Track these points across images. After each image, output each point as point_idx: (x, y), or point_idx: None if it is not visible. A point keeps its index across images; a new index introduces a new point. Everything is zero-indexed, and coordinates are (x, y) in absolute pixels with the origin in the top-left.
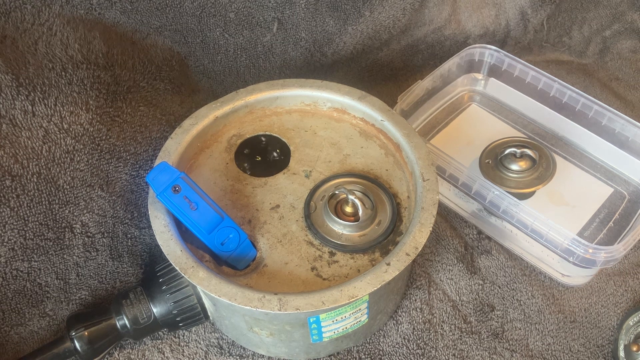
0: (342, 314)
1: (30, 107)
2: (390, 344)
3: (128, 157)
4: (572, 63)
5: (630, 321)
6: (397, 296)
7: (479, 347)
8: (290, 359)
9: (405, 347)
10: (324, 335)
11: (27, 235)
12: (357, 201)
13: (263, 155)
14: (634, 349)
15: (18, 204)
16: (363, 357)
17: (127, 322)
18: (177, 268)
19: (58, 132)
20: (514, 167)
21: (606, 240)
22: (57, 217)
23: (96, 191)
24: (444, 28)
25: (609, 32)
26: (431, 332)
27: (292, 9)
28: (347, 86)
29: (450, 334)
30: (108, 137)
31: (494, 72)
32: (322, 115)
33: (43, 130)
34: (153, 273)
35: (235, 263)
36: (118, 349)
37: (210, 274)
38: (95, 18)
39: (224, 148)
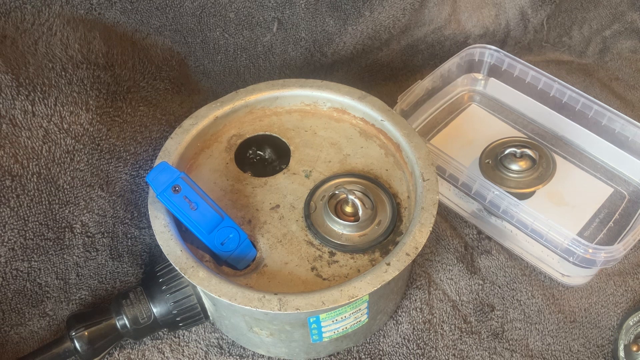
0: (342, 314)
1: (30, 107)
2: (390, 344)
3: (128, 157)
4: (572, 63)
5: (630, 321)
6: (397, 296)
7: (479, 347)
8: (290, 359)
9: (405, 347)
10: (324, 335)
11: (27, 235)
12: (357, 201)
13: (263, 155)
14: (634, 349)
15: (18, 204)
16: (363, 357)
17: (127, 322)
18: (177, 268)
19: (58, 132)
20: (514, 167)
21: (606, 240)
22: (57, 217)
23: (96, 191)
24: (444, 28)
25: (609, 32)
26: (431, 332)
27: (292, 9)
28: (347, 86)
29: (450, 334)
30: (108, 137)
31: (494, 72)
32: (322, 115)
33: (43, 130)
34: (153, 273)
35: (235, 263)
36: (118, 349)
37: (210, 274)
38: (95, 18)
39: (224, 148)
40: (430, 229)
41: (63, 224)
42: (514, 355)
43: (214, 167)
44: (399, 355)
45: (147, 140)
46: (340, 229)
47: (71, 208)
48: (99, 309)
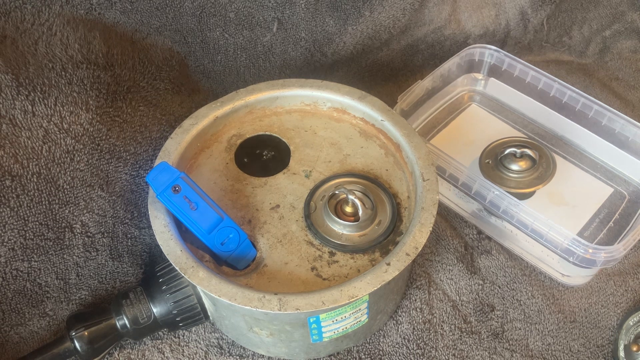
0: (342, 314)
1: (30, 107)
2: (390, 344)
3: (128, 157)
4: (572, 63)
5: (630, 321)
6: (397, 296)
7: (479, 347)
8: (290, 359)
9: (405, 347)
10: (324, 335)
11: (27, 235)
12: (357, 201)
13: (263, 155)
14: (634, 349)
15: (18, 204)
16: (363, 357)
17: (127, 322)
18: (177, 268)
19: (58, 132)
20: (514, 167)
21: (606, 240)
22: (57, 217)
23: (96, 191)
24: (444, 28)
25: (609, 32)
26: (431, 332)
27: (292, 9)
28: (347, 86)
29: (450, 334)
30: (108, 137)
31: (494, 72)
32: (322, 115)
33: (43, 130)
34: (153, 273)
35: (235, 263)
36: (118, 349)
37: (210, 274)
38: (95, 18)
39: (224, 148)
40: (430, 229)
41: (63, 224)
42: (514, 355)
43: (214, 167)
44: (399, 355)
45: (147, 140)
46: (340, 229)
47: (71, 208)
48: (99, 309)
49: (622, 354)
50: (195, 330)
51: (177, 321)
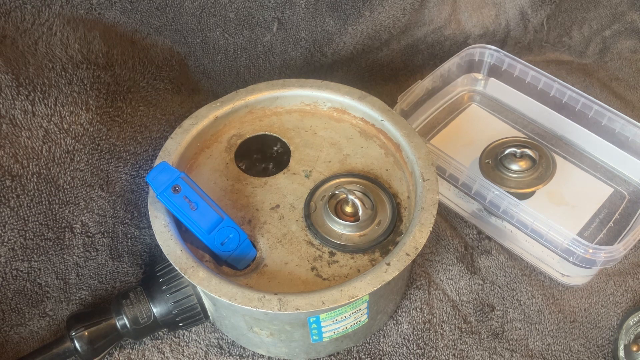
0: (342, 314)
1: (30, 107)
2: (390, 344)
3: (128, 157)
4: (572, 63)
5: (630, 321)
6: (397, 296)
7: (479, 347)
8: (290, 359)
9: (405, 347)
10: (324, 335)
11: (27, 235)
12: (357, 201)
13: (263, 155)
14: (634, 349)
15: (18, 204)
16: (363, 357)
17: (127, 322)
18: (177, 268)
19: (58, 132)
20: (514, 167)
21: (606, 240)
22: (57, 217)
23: (96, 191)
24: (444, 28)
25: (609, 32)
26: (431, 332)
27: (292, 9)
28: (347, 86)
29: (450, 334)
30: (108, 137)
31: (494, 72)
32: (322, 115)
33: (43, 130)
34: (153, 273)
35: (235, 263)
36: (118, 349)
37: (210, 274)
38: (95, 18)
39: (224, 148)
40: (430, 229)
41: (63, 224)
42: (514, 355)
43: (214, 167)
44: (399, 355)
45: (147, 140)
46: (340, 229)
47: (71, 208)
48: (99, 309)
49: (622, 354)
50: (195, 330)
51: (177, 321)
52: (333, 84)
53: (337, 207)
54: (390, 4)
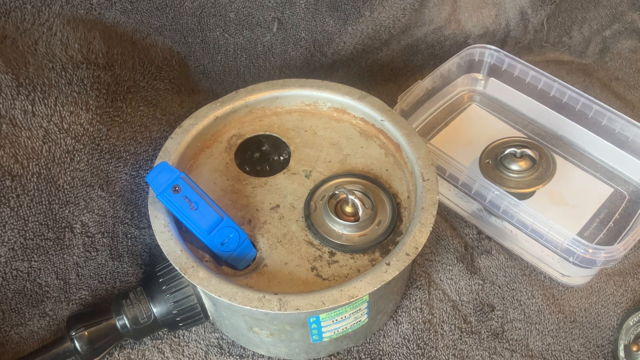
0: (342, 314)
1: (30, 107)
2: (390, 344)
3: (128, 157)
4: (572, 63)
5: (630, 321)
6: (397, 296)
7: (479, 347)
8: (290, 359)
9: (405, 347)
10: (324, 335)
11: (27, 235)
12: (357, 201)
13: (263, 155)
14: (634, 349)
15: (18, 204)
16: (363, 357)
17: (127, 322)
18: (177, 268)
19: (58, 132)
20: (514, 167)
21: (606, 240)
22: (57, 217)
23: (96, 191)
24: (444, 28)
25: (609, 32)
26: (431, 332)
27: (292, 9)
28: (347, 86)
29: (450, 334)
30: (108, 137)
31: (494, 72)
32: (322, 115)
33: (43, 130)
34: (153, 273)
35: (235, 263)
36: (118, 349)
37: (210, 274)
38: (95, 18)
39: (224, 148)
40: (430, 229)
41: (63, 224)
42: (514, 355)
43: (214, 167)
44: (399, 355)
45: (147, 140)
46: (340, 229)
47: (71, 208)
48: (99, 309)
49: (622, 354)
50: (195, 330)
51: (177, 321)
52: (333, 84)
53: (337, 207)
54: (390, 4)
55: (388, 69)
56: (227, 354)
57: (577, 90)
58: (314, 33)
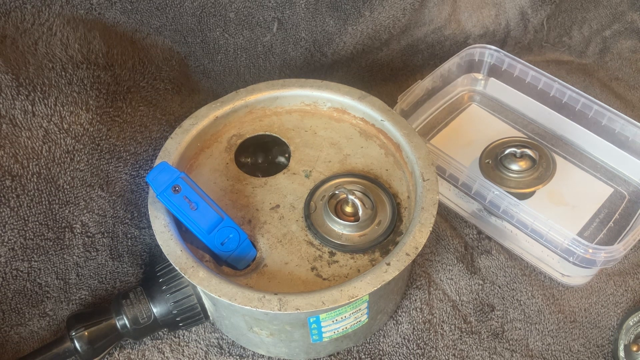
0: (342, 314)
1: (30, 107)
2: (390, 344)
3: (128, 157)
4: (572, 63)
5: (630, 321)
6: (397, 296)
7: (479, 347)
8: (290, 359)
9: (405, 347)
10: (324, 335)
11: (27, 235)
12: (357, 201)
13: (263, 155)
14: (634, 349)
15: (18, 204)
16: (363, 357)
17: (127, 322)
18: (177, 268)
19: (58, 132)
20: (514, 167)
21: (606, 240)
22: (57, 217)
23: (96, 191)
24: (444, 28)
25: (609, 32)
26: (431, 332)
27: (292, 9)
28: (347, 86)
29: (450, 334)
30: (108, 137)
31: (494, 72)
32: (322, 115)
33: (43, 130)
34: (153, 273)
35: (235, 263)
36: (118, 349)
37: (210, 274)
38: (95, 18)
39: (224, 148)
40: (430, 229)
41: (63, 224)
42: (514, 355)
43: (214, 167)
44: (399, 355)
45: (147, 140)
46: (340, 229)
47: (71, 208)
48: (99, 309)
49: (622, 354)
50: (195, 330)
51: (177, 321)
52: (333, 84)
53: (337, 207)
54: (390, 4)
55: (388, 69)
56: (227, 354)
57: (577, 90)
58: (314, 33)
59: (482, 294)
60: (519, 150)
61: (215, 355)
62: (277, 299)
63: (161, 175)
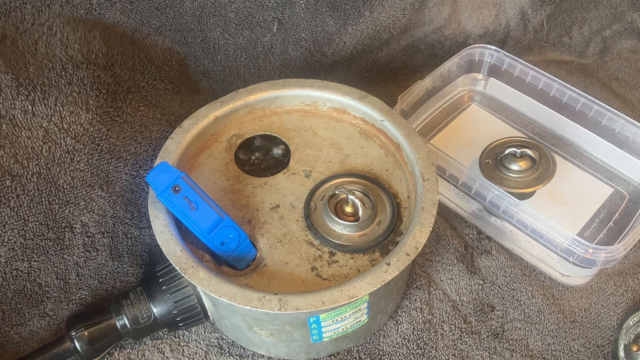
0: (342, 314)
1: (30, 107)
2: (390, 344)
3: (128, 157)
4: (572, 63)
5: (630, 321)
6: (397, 296)
7: (479, 347)
8: (290, 359)
9: (405, 347)
10: (324, 335)
11: (27, 235)
12: (357, 201)
13: (263, 155)
14: (634, 349)
15: (18, 204)
16: (363, 357)
17: (127, 322)
18: (177, 268)
19: (58, 132)
20: (514, 167)
21: (606, 240)
22: (57, 217)
23: (96, 191)
24: (444, 28)
25: (609, 32)
26: (431, 332)
27: (292, 9)
28: (347, 86)
29: (450, 334)
30: (108, 137)
31: (494, 72)
32: (322, 115)
33: (43, 130)
34: (153, 273)
35: (235, 263)
36: (118, 349)
37: (210, 274)
38: (95, 18)
39: (224, 148)
40: (430, 229)
41: (63, 224)
42: (514, 355)
43: (214, 167)
44: (399, 355)
45: (147, 140)
46: (340, 229)
47: (71, 208)
48: (99, 309)
49: (622, 354)
50: (195, 330)
51: (177, 321)
52: (333, 84)
53: (337, 207)
54: (390, 4)
55: (388, 69)
56: (227, 354)
57: (577, 90)
58: (314, 33)
59: (482, 294)
60: (519, 150)
61: (215, 355)
62: (277, 299)
63: (161, 175)
